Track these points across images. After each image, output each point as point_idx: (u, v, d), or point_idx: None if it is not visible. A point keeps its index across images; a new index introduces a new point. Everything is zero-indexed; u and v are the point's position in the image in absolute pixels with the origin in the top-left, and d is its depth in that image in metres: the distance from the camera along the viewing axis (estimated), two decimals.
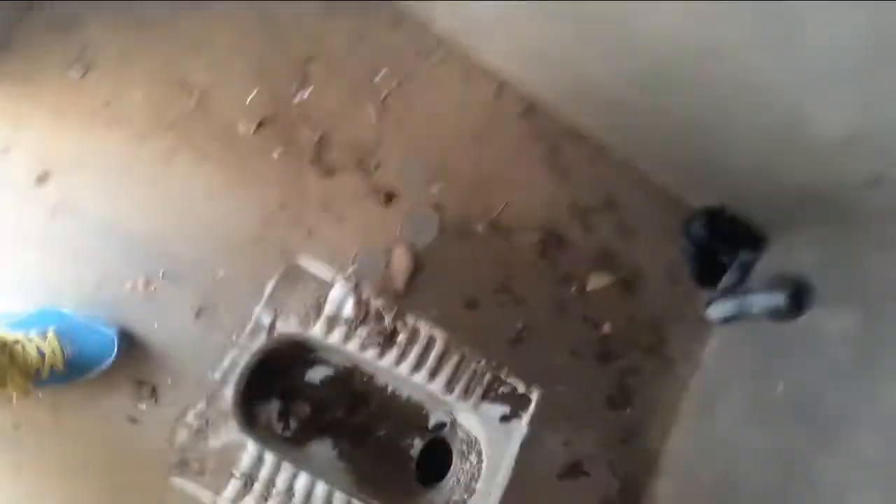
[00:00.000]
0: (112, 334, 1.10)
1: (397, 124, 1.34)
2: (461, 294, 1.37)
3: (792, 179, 1.25)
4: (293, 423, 1.35)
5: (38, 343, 1.04)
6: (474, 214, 1.38)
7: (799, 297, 1.29)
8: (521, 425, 1.40)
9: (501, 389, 1.40)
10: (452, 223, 1.37)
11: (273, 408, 1.34)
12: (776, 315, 1.32)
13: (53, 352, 1.04)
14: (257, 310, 1.23)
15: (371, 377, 1.40)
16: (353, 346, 1.29)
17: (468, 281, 1.37)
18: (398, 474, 1.45)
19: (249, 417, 1.29)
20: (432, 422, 1.47)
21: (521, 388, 1.41)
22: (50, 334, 1.06)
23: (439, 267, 1.35)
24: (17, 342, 1.02)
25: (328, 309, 1.27)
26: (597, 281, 1.47)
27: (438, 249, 1.36)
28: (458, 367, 1.36)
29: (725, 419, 1.42)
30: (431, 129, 1.36)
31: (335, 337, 1.27)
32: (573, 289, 1.45)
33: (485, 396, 1.38)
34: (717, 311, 1.45)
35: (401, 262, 1.32)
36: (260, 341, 1.23)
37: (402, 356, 1.32)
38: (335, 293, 1.28)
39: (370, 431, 1.42)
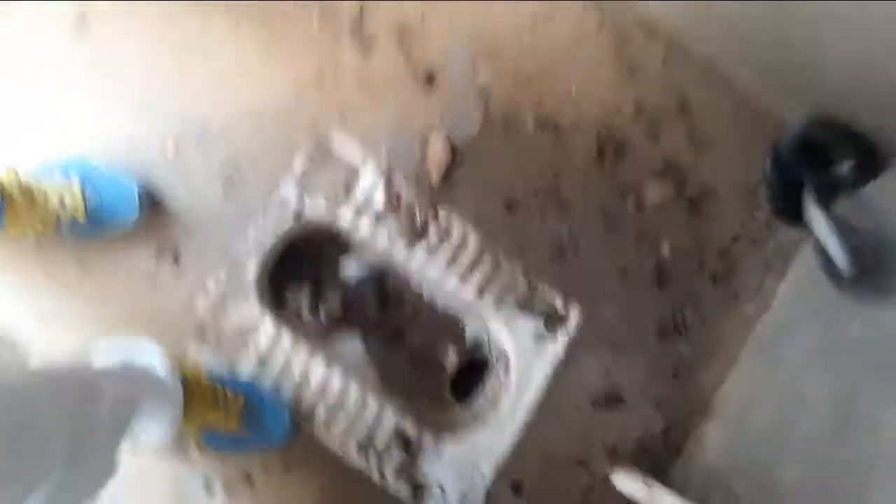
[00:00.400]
0: (136, 190, 1.09)
1: (445, 2, 1.24)
2: (501, 193, 1.27)
3: None
4: (323, 314, 1.30)
5: (61, 190, 1.04)
6: (523, 108, 1.27)
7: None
8: (557, 344, 1.30)
9: (538, 303, 1.30)
10: (498, 115, 1.26)
11: (304, 296, 1.30)
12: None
13: (75, 200, 1.05)
14: (284, 186, 1.19)
15: (406, 279, 1.34)
16: (381, 237, 1.23)
17: (510, 180, 1.27)
18: (428, 383, 1.39)
19: (277, 300, 1.27)
20: (469, 337, 1.39)
21: (559, 305, 1.30)
22: (74, 183, 1.06)
23: (479, 162, 1.26)
24: (39, 187, 1.03)
25: (357, 194, 1.21)
26: (659, 195, 1.32)
27: (480, 142, 1.26)
28: (491, 272, 1.27)
29: (790, 362, 1.25)
30: (483, 9, 1.25)
31: (363, 225, 1.22)
32: (630, 202, 1.31)
33: (518, 309, 1.28)
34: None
35: (437, 152, 1.23)
36: (286, 218, 1.19)
37: (432, 253, 1.24)
38: (365, 179, 1.22)
39: (403, 335, 1.36)
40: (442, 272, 1.25)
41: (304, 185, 1.19)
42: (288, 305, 1.27)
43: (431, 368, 1.39)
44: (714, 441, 1.31)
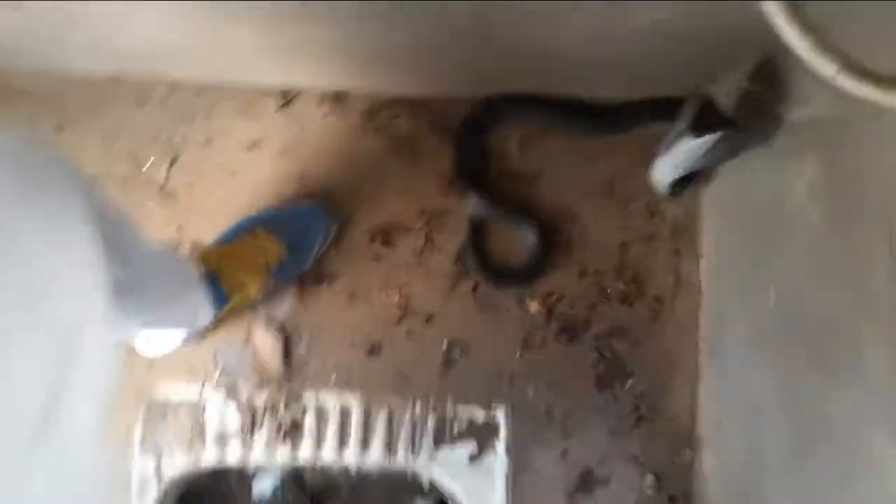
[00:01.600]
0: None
1: (188, 203, 1.15)
2: (355, 343, 1.15)
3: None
4: None
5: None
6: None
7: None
8: (499, 456, 1.15)
9: (456, 426, 1.16)
10: (308, 275, 1.15)
11: None
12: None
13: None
14: (134, 463, 1.10)
15: (322, 468, 1.22)
16: (258, 454, 1.12)
17: (357, 326, 1.15)
18: None
19: None
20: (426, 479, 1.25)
21: (479, 416, 1.15)
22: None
23: (315, 327, 1.14)
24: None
25: (212, 427, 1.12)
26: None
27: (304, 309, 1.15)
28: (389, 424, 1.14)
29: (732, 357, 1.06)
30: (230, 182, 1.15)
31: (234, 453, 1.12)
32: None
33: (438, 443, 1.15)
34: (662, 173, 1.05)
35: (264, 344, 1.13)
36: (152, 494, 1.10)
37: (318, 440, 1.13)
38: (212, 407, 1.12)
39: None
40: (337, 452, 1.13)
41: (154, 450, 1.10)
42: None
43: None
44: (711, 473, 1.12)
